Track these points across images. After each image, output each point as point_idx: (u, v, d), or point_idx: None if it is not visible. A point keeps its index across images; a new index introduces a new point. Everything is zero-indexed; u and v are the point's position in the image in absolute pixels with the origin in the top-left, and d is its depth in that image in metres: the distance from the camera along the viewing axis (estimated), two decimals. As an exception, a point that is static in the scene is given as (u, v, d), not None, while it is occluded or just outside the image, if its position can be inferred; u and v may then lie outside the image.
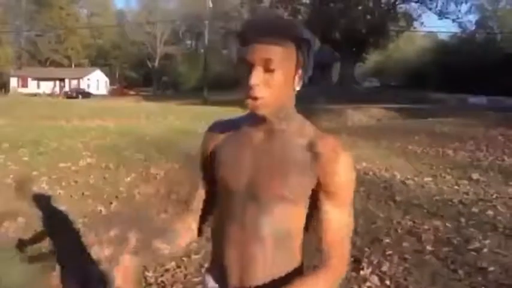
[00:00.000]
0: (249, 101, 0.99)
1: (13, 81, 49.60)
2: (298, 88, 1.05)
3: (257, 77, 0.97)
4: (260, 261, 1.06)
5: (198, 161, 1.23)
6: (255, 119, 1.07)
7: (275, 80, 0.99)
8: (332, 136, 1.08)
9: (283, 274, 1.06)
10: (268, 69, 0.98)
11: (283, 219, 1.05)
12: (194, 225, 1.22)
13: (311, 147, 1.04)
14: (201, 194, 1.22)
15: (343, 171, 1.02)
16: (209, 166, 1.17)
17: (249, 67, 0.98)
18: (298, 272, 1.08)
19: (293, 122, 1.07)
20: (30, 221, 4.01)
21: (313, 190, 1.05)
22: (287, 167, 1.03)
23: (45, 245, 3.44)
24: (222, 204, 1.13)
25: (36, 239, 3.60)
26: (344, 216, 1.05)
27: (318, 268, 1.04)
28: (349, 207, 1.06)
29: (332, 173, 1.02)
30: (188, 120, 14.69)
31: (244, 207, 1.06)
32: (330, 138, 1.06)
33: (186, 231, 1.20)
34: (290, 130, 1.06)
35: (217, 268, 1.14)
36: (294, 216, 1.06)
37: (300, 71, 1.03)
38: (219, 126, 1.19)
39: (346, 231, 1.06)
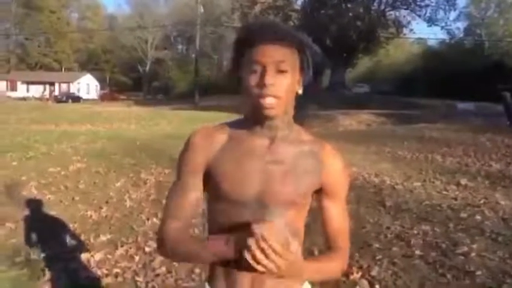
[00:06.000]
0: (263, 101, 0.99)
1: (1, 85, 49.03)
2: (300, 92, 1.08)
3: (272, 77, 0.98)
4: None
5: (184, 168, 1.11)
6: (256, 125, 1.07)
7: (286, 81, 1.01)
8: (326, 142, 1.15)
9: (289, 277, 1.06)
10: (280, 71, 0.99)
11: (292, 224, 1.07)
12: None
13: (314, 154, 1.10)
14: (189, 200, 1.10)
15: (343, 174, 1.15)
16: (203, 177, 1.10)
17: (261, 68, 0.99)
18: None
19: (293, 129, 1.11)
20: (19, 226, 3.98)
21: (314, 191, 1.11)
22: (297, 173, 1.06)
23: (35, 250, 3.41)
24: (225, 218, 1.08)
25: (25, 244, 3.57)
26: (343, 211, 1.16)
27: (331, 252, 1.13)
28: (345, 203, 1.17)
29: (334, 177, 1.12)
30: (179, 125, 14.68)
31: (253, 218, 1.03)
32: (327, 145, 1.14)
33: None
34: (292, 137, 1.09)
35: (223, 280, 1.10)
36: (299, 218, 1.11)
37: (301, 76, 1.06)
38: (210, 135, 1.11)
39: (346, 224, 1.17)
